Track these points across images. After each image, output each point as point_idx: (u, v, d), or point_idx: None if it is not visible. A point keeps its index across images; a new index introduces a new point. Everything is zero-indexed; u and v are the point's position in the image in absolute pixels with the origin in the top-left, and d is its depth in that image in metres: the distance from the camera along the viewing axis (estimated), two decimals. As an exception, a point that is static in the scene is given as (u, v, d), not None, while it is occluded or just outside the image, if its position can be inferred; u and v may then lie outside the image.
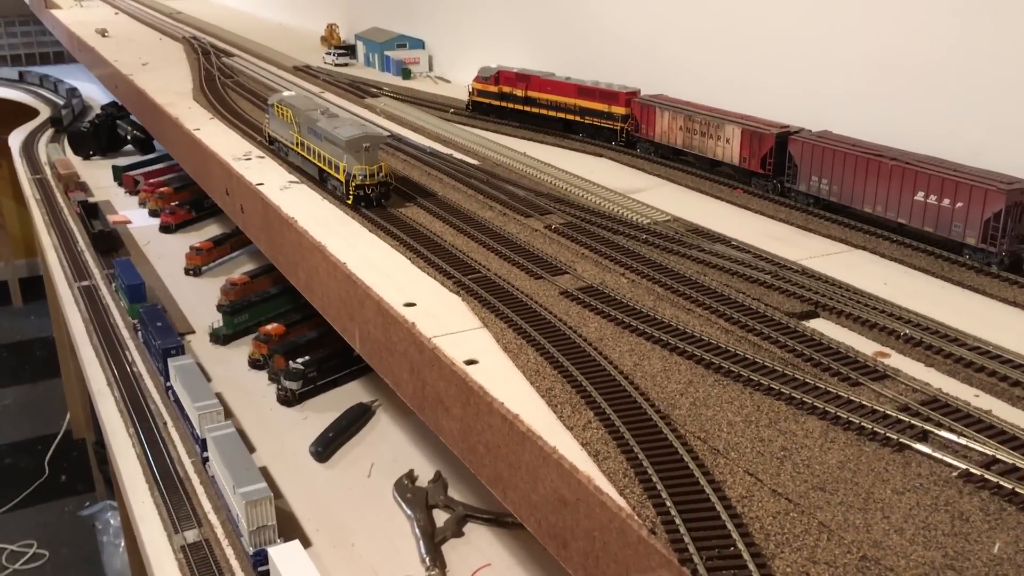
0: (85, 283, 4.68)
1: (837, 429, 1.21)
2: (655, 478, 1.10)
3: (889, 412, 1.22)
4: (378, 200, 2.11)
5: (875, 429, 1.19)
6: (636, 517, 1.05)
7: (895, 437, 1.17)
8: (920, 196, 1.77)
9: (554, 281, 1.70)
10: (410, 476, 2.99)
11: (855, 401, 1.25)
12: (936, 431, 1.19)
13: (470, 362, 1.42)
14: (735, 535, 1.00)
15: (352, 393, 3.57)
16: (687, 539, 1.00)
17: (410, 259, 1.83)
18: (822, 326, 1.52)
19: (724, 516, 1.03)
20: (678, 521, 1.03)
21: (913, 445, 1.16)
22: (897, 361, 1.41)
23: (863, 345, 1.45)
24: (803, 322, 1.52)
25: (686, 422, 1.23)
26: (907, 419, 1.21)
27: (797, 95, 2.33)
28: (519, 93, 2.86)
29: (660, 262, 1.76)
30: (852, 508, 1.05)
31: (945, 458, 1.14)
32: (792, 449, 1.16)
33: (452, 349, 1.46)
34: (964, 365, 1.37)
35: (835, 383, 1.31)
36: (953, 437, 1.17)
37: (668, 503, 1.06)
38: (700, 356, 1.39)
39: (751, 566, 0.96)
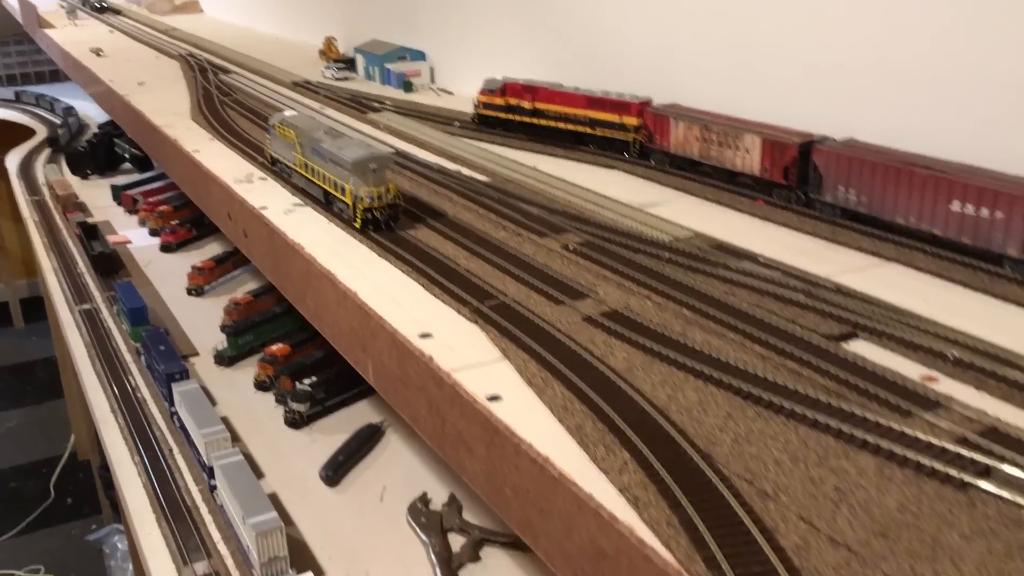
0: (86, 306, 4.61)
1: (893, 466, 1.13)
2: (702, 528, 1.02)
3: (947, 446, 1.14)
4: (387, 223, 2.03)
5: (934, 466, 1.11)
6: (685, 573, 0.97)
7: (956, 474, 1.09)
8: (956, 206, 1.69)
9: (576, 306, 1.62)
10: (424, 499, 2.91)
11: (909, 434, 1.17)
12: (999, 465, 1.10)
13: (493, 398, 1.34)
14: (796, 593, 0.92)
15: (361, 413, 3.50)
16: (744, 599, 0.92)
17: (423, 285, 1.75)
18: (863, 349, 1.44)
19: (782, 571, 0.95)
20: (732, 577, 0.95)
21: (976, 483, 1.08)
22: (947, 386, 1.32)
23: (908, 369, 1.37)
24: (842, 344, 1.44)
25: (729, 462, 1.15)
26: (967, 453, 1.12)
27: (817, 102, 2.25)
28: (526, 105, 2.78)
29: (686, 282, 1.68)
30: (919, 557, 0.97)
31: (1013, 497, 1.05)
32: (847, 490, 1.08)
33: (473, 384, 1.38)
34: (1019, 389, 1.29)
35: (885, 413, 1.23)
36: (1018, 473, 1.09)
37: (719, 556, 0.98)
38: (738, 387, 1.31)
39: (817, 630, 0.88)
